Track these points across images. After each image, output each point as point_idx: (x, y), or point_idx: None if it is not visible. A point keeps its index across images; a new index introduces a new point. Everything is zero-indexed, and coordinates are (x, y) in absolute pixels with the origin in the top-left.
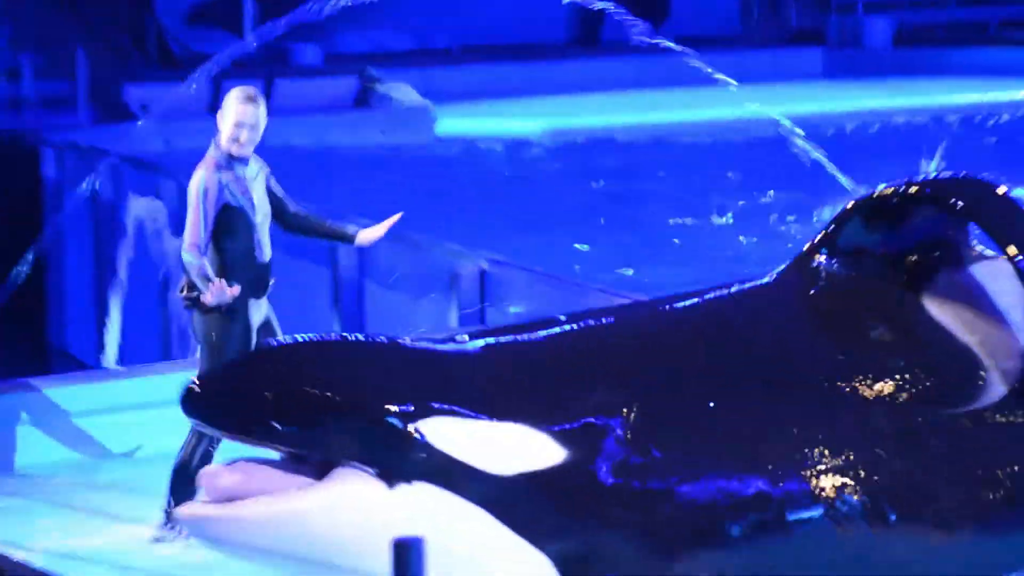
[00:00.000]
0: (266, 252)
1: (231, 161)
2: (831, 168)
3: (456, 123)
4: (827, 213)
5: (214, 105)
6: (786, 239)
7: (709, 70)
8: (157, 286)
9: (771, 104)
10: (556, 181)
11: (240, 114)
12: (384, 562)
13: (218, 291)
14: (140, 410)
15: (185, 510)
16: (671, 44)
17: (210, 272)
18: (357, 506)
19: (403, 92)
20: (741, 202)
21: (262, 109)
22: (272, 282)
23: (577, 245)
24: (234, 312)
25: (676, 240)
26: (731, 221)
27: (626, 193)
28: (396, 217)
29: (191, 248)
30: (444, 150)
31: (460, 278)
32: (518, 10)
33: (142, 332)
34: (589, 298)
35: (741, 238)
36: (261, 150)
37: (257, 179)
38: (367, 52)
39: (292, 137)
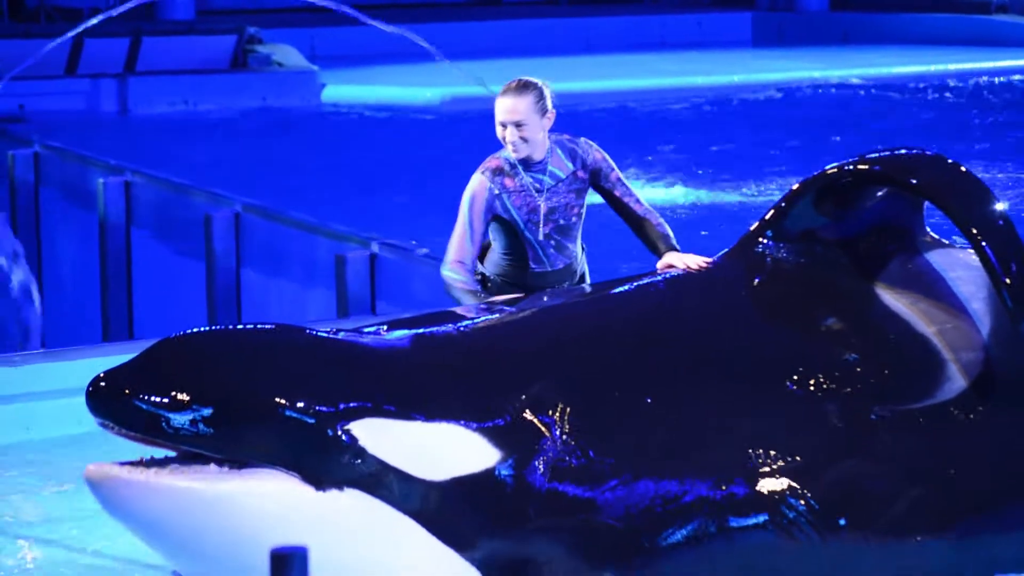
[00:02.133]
0: (555, 261)
1: (518, 165)
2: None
3: (345, 90)
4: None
5: (74, 65)
6: (705, 218)
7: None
8: None
9: (693, 73)
10: (454, 156)
11: (498, 110)
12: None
13: None
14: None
15: (96, 469)
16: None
17: (474, 288)
18: (284, 500)
19: (286, 54)
20: (655, 173)
21: (527, 100)
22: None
23: None
24: None
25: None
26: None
27: None
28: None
29: (453, 265)
30: (331, 119)
31: (347, 263)
32: None
33: None
34: None
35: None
36: (132, 117)
37: (558, 187)
38: (246, 8)
39: (160, 101)
